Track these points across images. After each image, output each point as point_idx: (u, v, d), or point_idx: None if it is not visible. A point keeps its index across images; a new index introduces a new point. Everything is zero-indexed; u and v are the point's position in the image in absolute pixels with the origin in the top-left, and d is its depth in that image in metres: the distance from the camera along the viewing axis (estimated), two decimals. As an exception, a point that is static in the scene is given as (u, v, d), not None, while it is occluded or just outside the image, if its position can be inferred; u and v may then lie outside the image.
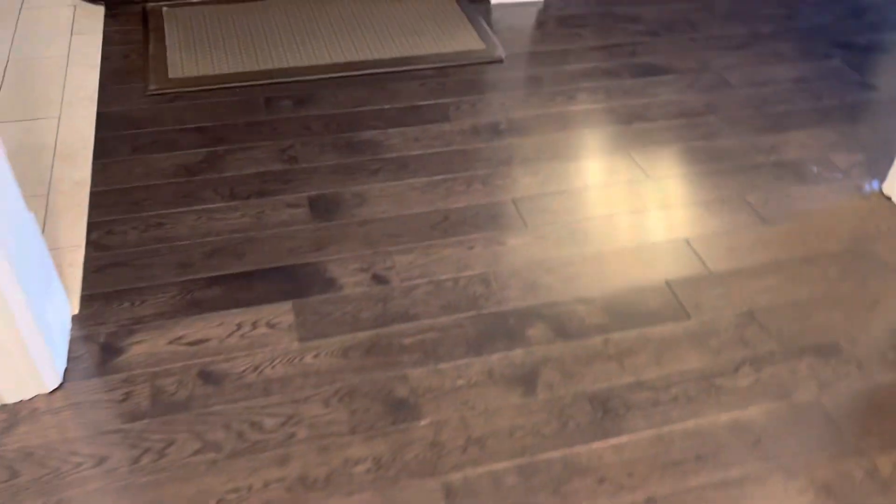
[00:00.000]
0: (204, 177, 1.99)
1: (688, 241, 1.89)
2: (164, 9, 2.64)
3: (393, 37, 2.59)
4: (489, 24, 2.74)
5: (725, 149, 2.21)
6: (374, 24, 2.65)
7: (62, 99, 2.21)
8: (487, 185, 2.03)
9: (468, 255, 1.82)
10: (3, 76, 2.28)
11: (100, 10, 2.63)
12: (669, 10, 2.90)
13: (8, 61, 2.34)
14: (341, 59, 2.46)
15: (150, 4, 2.66)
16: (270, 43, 2.51)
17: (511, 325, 1.65)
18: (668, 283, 1.77)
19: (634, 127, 2.28)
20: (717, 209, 1.99)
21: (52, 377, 1.43)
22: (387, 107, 2.30)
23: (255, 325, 1.61)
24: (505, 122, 2.27)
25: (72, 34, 2.50)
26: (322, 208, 1.92)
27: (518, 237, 1.88)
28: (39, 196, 1.88)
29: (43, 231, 1.79)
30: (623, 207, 1.98)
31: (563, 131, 2.24)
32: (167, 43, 2.47)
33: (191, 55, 2.42)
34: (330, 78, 2.39)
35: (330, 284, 1.72)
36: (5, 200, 1.30)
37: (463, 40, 2.62)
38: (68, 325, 1.56)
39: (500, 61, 2.54)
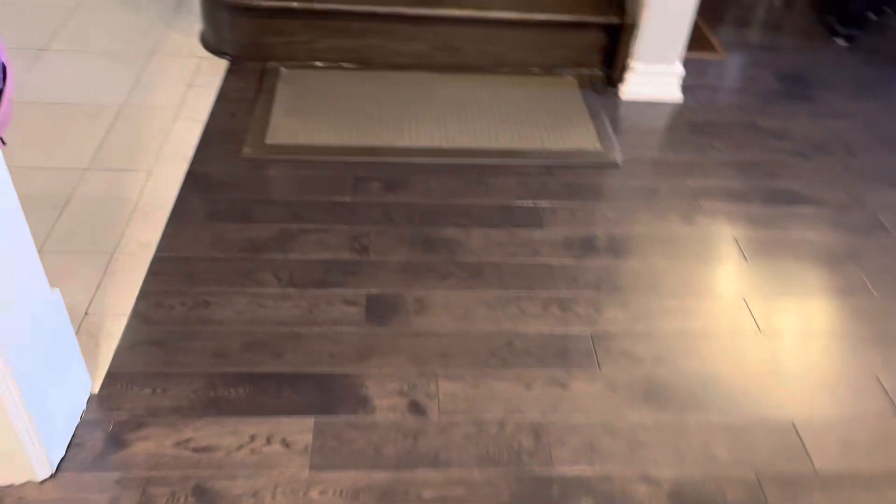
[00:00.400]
0: (268, 256, 1.89)
1: (794, 425, 1.56)
2: (283, 69, 2.63)
3: (503, 124, 2.43)
4: (613, 121, 2.52)
5: (864, 311, 1.85)
6: (488, 108, 2.51)
7: (158, 152, 2.21)
8: (566, 310, 1.80)
9: (524, 394, 1.59)
10: (113, 122, 2.32)
11: (223, 65, 2.66)
12: (824, 128, 2.56)
13: (122, 107, 2.39)
14: (443, 144, 2.33)
15: (271, 63, 2.66)
16: (376, 117, 2.42)
17: (553, 496, 1.40)
18: (758, 476, 1.46)
19: (756, 266, 1.97)
20: (839, 388, 1.65)
21: (43, 467, 1.34)
22: (477, 202, 2.12)
23: (269, 440, 1.47)
24: (604, 237, 2.03)
25: (189, 86, 2.53)
26: (378, 311, 1.76)
27: (586, 381, 1.63)
28: (104, 253, 1.86)
29: (96, 291, 1.75)
30: (722, 366, 1.68)
31: (670, 259, 1.97)
32: (274, 105, 2.45)
33: (293, 121, 2.38)
34: (427, 163, 2.26)
35: (362, 404, 1.55)
36: (17, 285, 1.24)
37: (578, 137, 2.41)
38: (80, 408, 1.48)
39: (615, 166, 2.31)
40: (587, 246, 2.00)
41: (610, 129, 2.47)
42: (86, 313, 1.70)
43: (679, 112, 2.61)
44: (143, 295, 1.76)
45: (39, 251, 1.85)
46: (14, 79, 1.62)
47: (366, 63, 2.69)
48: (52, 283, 1.78)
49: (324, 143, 2.29)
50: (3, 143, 1.80)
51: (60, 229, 1.92)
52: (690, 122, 2.55)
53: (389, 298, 1.80)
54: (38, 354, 1.29)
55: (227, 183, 2.13)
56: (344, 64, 2.69)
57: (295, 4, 2.56)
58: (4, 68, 1.64)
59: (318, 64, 2.68)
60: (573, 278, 1.89)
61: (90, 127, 2.29)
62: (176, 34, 2.80)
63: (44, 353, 1.32)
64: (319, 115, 2.42)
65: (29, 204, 2.01)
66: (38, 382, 1.29)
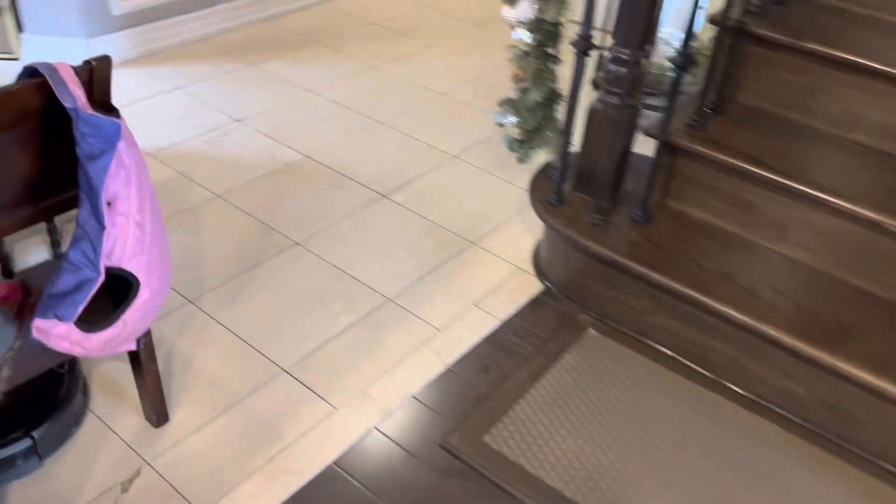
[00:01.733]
0: None
1: None
2: (591, 331, 1.96)
3: None
4: None
5: None
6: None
7: (366, 389, 1.78)
8: None
9: None
10: (358, 321, 1.96)
11: (534, 291, 2.11)
12: None
13: (382, 305, 2.02)
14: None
15: (584, 316, 2.01)
16: (640, 474, 1.60)
17: None
18: None
19: None
20: None
21: None
22: None
23: None
24: None
25: (474, 305, 2.04)
26: None
27: None
28: (201, 501, 1.50)
29: (138, 560, 1.39)
30: None
31: None
32: (539, 383, 1.80)
33: (534, 418, 1.71)
34: None
35: None
36: None
37: None
38: None
39: None
40: None
41: None
42: (96, 590, 1.36)
43: None
44: None
45: (153, 460, 1.59)
46: (160, 285, 1.35)
47: (704, 364, 1.86)
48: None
49: (535, 474, 1.58)
50: (137, 346, 1.58)
51: (196, 442, 1.63)
52: None
53: None
54: None
55: (392, 473, 1.59)
56: (677, 356, 1.90)
57: (632, 264, 1.88)
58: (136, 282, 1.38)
59: (643, 340, 1.94)
60: None
61: (335, 312, 1.98)
62: (515, 231, 2.34)
63: None
64: (570, 423, 1.70)
65: (199, 388, 1.71)
66: None
